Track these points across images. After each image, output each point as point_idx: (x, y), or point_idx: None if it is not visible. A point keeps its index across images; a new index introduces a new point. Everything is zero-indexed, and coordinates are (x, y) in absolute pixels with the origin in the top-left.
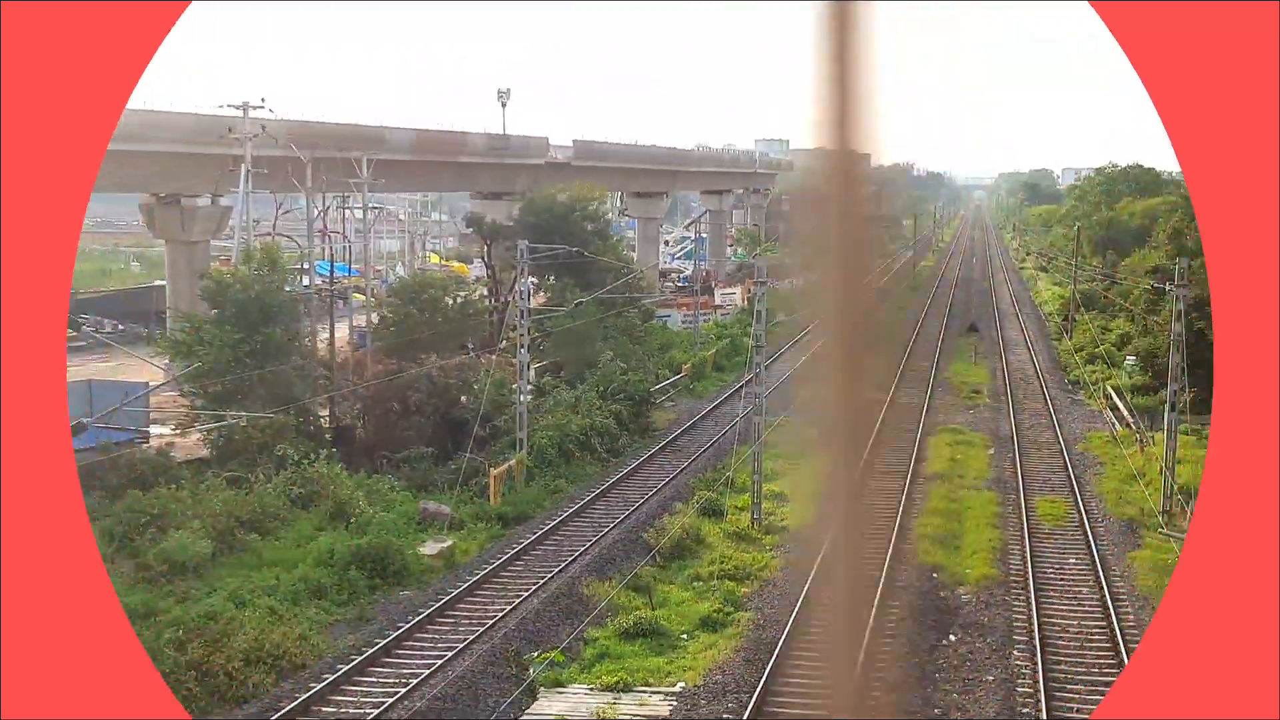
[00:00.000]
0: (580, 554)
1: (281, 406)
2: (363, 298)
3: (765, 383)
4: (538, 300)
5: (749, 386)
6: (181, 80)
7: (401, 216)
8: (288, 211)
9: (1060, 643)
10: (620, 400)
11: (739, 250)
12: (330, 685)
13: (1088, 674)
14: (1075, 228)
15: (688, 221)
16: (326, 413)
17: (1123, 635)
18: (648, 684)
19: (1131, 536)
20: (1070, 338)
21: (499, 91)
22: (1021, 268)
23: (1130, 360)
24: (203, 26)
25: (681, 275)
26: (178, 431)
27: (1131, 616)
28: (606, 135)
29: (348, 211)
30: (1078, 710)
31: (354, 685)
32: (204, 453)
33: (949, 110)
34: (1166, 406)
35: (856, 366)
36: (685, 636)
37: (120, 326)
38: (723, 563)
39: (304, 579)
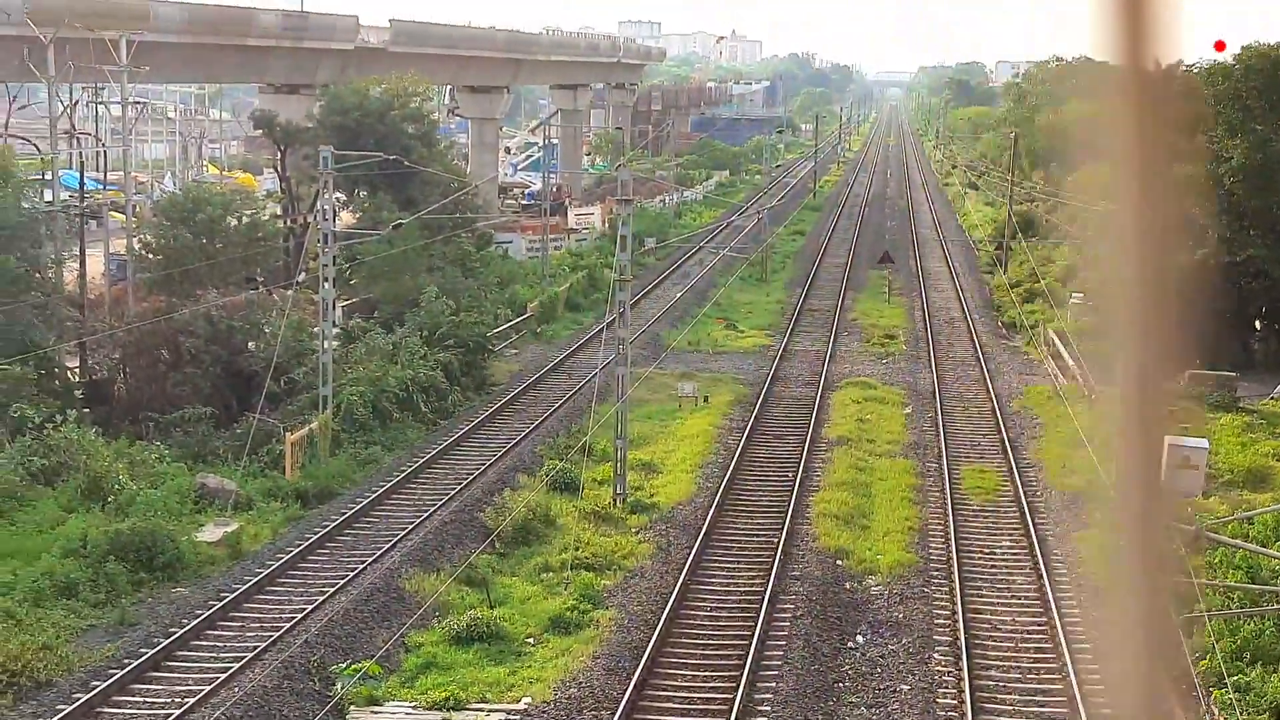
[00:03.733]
0: (400, 539)
1: (18, 355)
2: (122, 218)
3: (631, 325)
4: (346, 221)
5: (611, 330)
6: None
7: (172, 114)
8: (24, 106)
9: (990, 644)
10: (450, 348)
11: (598, 160)
12: (83, 707)
13: (1023, 682)
14: (1012, 135)
15: (534, 124)
16: (76, 363)
17: (1066, 635)
18: (485, 699)
19: (1078, 513)
20: (1005, 270)
21: None
22: (946, 184)
23: (1077, 297)
24: None
25: (527, 191)
26: None
27: (1077, 612)
28: (433, 14)
29: (102, 107)
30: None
31: (114, 707)
32: None
33: None
34: None
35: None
36: (531, 641)
37: None
38: (578, 549)
39: (49, 574)
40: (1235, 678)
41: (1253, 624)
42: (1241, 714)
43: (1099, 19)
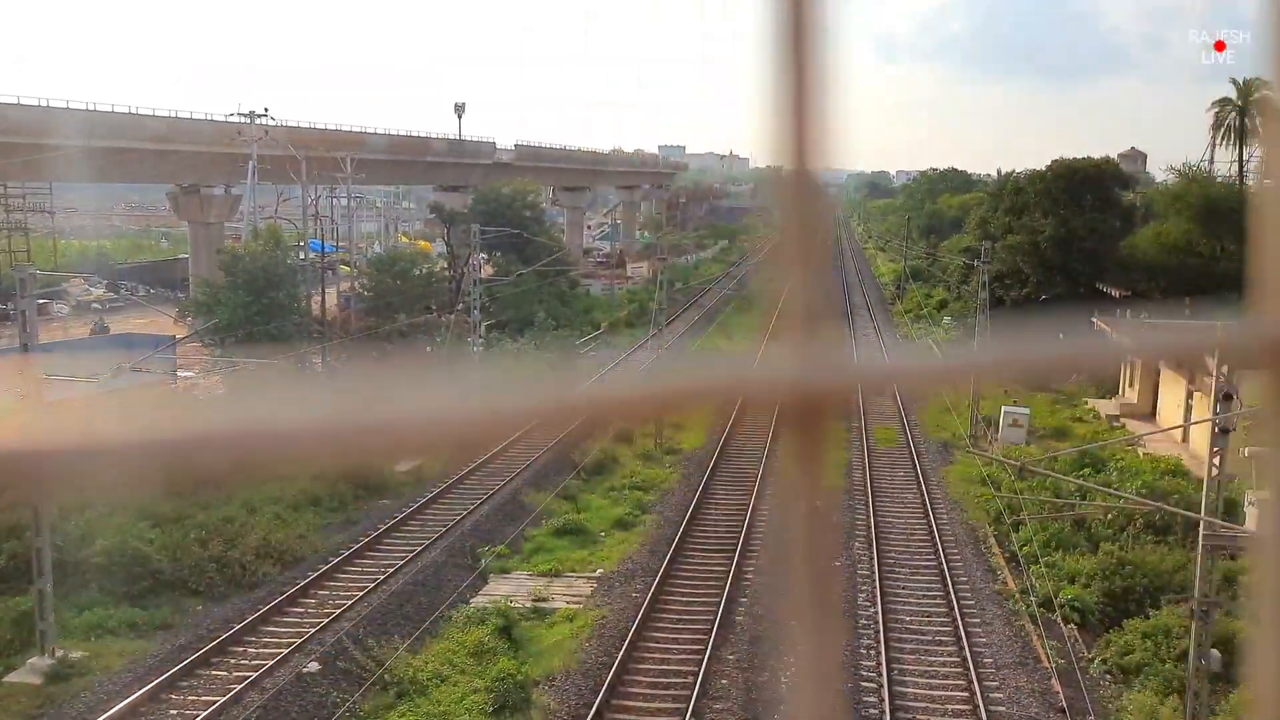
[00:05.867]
0: (521, 471)
1: (284, 355)
2: (348, 269)
3: (666, 338)
4: (487, 271)
5: (653, 340)
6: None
7: (378, 204)
8: (286, 200)
9: (890, 536)
10: (552, 350)
11: (645, 233)
12: (324, 574)
13: (911, 561)
14: (906, 217)
15: (606, 210)
16: (319, 360)
17: (939, 531)
18: (574, 570)
19: (945, 455)
20: (901, 302)
21: (456, 105)
22: (864, 247)
23: (947, 320)
24: (209, 34)
25: (601, 253)
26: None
27: (945, 516)
28: (543, 138)
29: (335, 200)
30: (903, 589)
31: (343, 574)
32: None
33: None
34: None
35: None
36: (603, 534)
37: (152, 290)
38: (632, 477)
39: (302, 490)
40: (1046, 558)
41: (1056, 525)
42: (1049, 581)
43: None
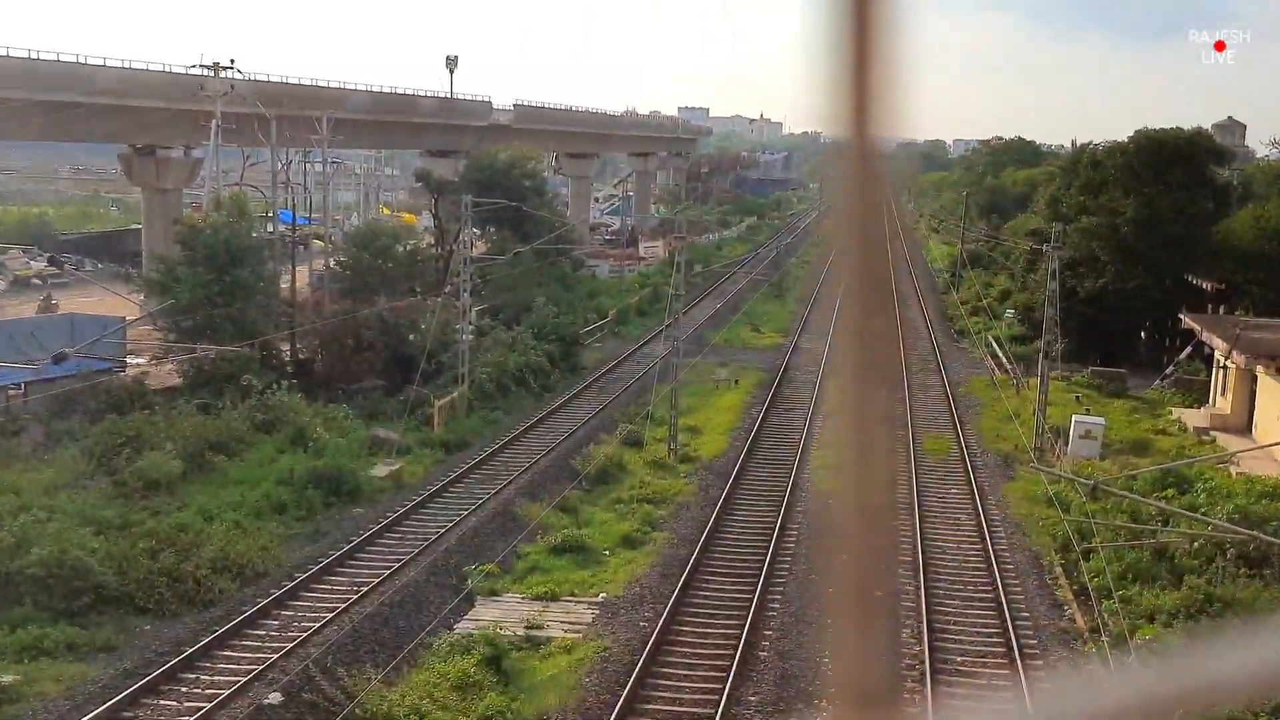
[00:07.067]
0: (515, 478)
1: (247, 341)
2: (321, 244)
3: (683, 327)
4: (479, 249)
5: (668, 331)
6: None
7: (357, 171)
8: (254, 164)
9: (941, 563)
10: (552, 341)
11: (661, 208)
12: (288, 591)
13: (964, 591)
14: (964, 194)
15: (616, 180)
16: (288, 347)
17: (996, 557)
18: (573, 594)
19: (1006, 470)
20: (957, 292)
21: (448, 58)
22: (915, 228)
23: (1009, 313)
24: None
25: (610, 229)
26: (153, 362)
27: (1004, 540)
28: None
29: (308, 165)
30: (954, 624)
31: (310, 592)
32: (176, 381)
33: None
34: (1041, 355)
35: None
36: (607, 553)
37: (100, 265)
38: (642, 488)
39: (266, 496)
40: (1120, 592)
41: (1134, 553)
42: (1125, 619)
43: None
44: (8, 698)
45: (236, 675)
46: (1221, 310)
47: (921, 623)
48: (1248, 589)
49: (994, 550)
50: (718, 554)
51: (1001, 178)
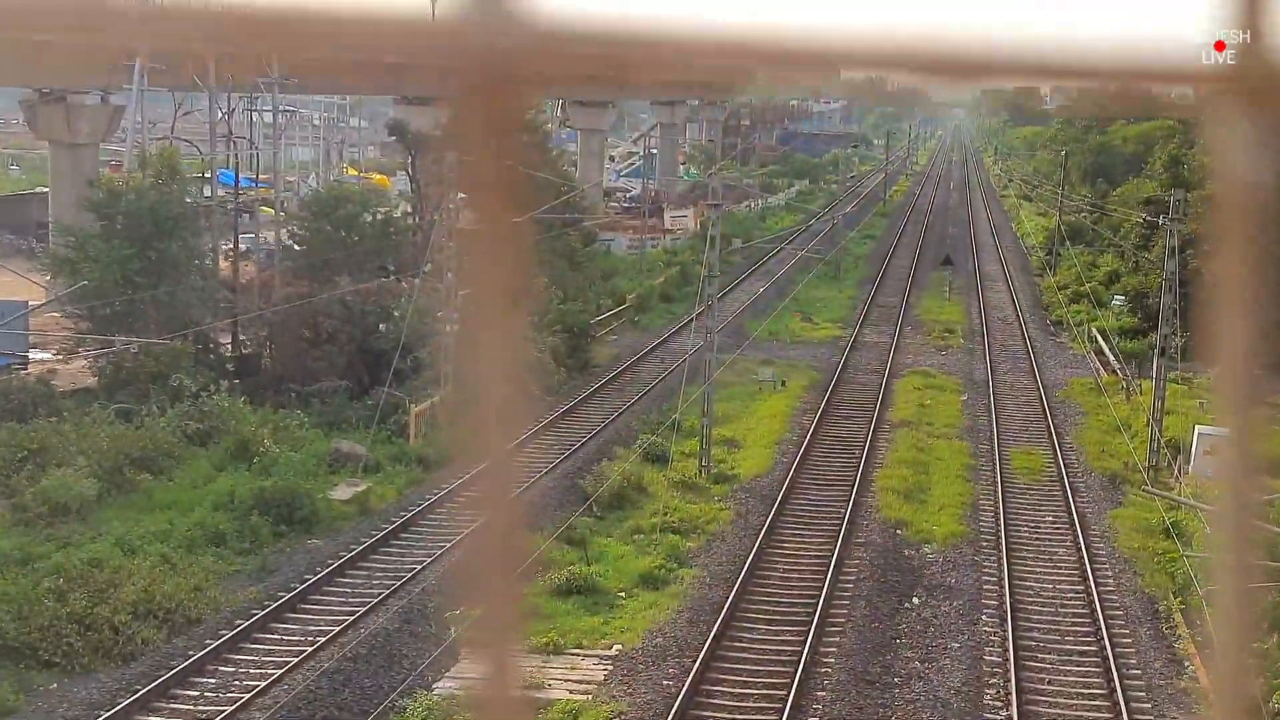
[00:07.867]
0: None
1: (178, 332)
2: (271, 212)
3: (718, 316)
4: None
5: (700, 320)
6: None
7: (316, 121)
8: (188, 113)
9: (1033, 608)
10: (557, 333)
11: (692, 169)
12: (228, 642)
13: (1061, 643)
14: (1062, 153)
15: (636, 135)
16: (228, 340)
17: (1101, 601)
18: (581, 645)
19: (1114, 493)
20: (1054, 274)
21: None
22: (1003, 195)
23: (1118, 300)
24: None
25: (628, 195)
26: (60, 357)
27: (1111, 581)
28: None
29: (256, 114)
30: (1049, 683)
31: (255, 643)
32: (90, 382)
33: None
34: (1156, 352)
35: None
36: (623, 595)
37: None
38: (666, 514)
39: (200, 524)
40: (1257, 645)
41: (1273, 596)
42: (1264, 678)
43: None
44: None
45: None
46: None
47: (1010, 681)
48: None
49: (1098, 593)
50: (758, 596)
51: (1109, 134)
